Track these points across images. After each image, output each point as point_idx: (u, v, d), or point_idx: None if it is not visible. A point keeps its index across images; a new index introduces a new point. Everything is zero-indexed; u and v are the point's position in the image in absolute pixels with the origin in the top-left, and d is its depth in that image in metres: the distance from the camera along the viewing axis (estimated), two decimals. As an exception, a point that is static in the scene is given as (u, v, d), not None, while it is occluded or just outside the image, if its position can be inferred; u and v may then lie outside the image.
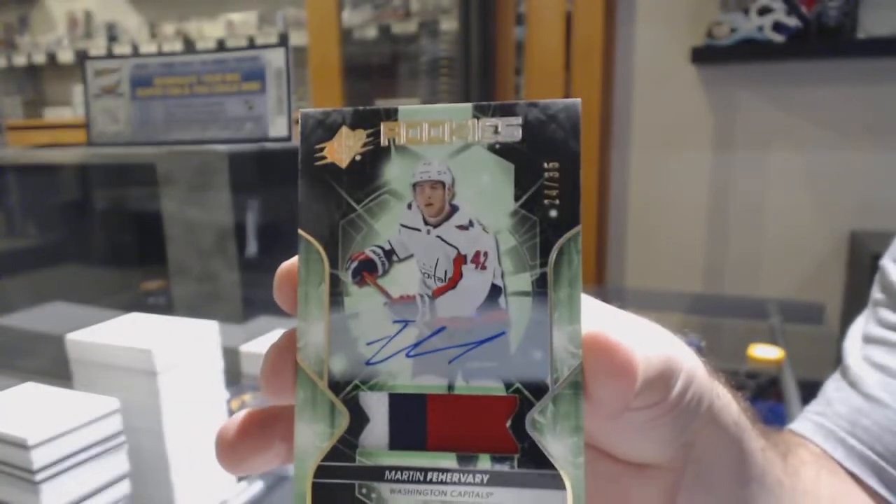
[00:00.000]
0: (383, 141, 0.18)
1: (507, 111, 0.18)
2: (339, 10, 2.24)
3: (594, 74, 1.94)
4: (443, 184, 0.18)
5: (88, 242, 1.20)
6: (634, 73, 2.00)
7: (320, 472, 0.17)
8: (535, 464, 0.17)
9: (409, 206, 0.18)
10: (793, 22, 1.74)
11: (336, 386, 0.17)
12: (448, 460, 0.17)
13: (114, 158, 1.13)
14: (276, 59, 1.04)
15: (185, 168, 0.92)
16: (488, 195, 0.18)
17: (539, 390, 0.17)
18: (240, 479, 0.68)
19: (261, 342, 0.80)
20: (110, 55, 1.20)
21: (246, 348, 0.79)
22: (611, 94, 2.02)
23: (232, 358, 0.73)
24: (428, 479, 0.17)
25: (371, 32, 2.46)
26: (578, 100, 0.18)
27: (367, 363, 0.17)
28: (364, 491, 0.17)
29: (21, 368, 0.96)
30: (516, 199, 0.17)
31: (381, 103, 2.53)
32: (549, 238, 0.17)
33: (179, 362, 0.59)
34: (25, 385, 0.57)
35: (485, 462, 0.17)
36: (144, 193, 1.08)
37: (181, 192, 0.92)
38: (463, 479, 0.17)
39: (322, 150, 0.18)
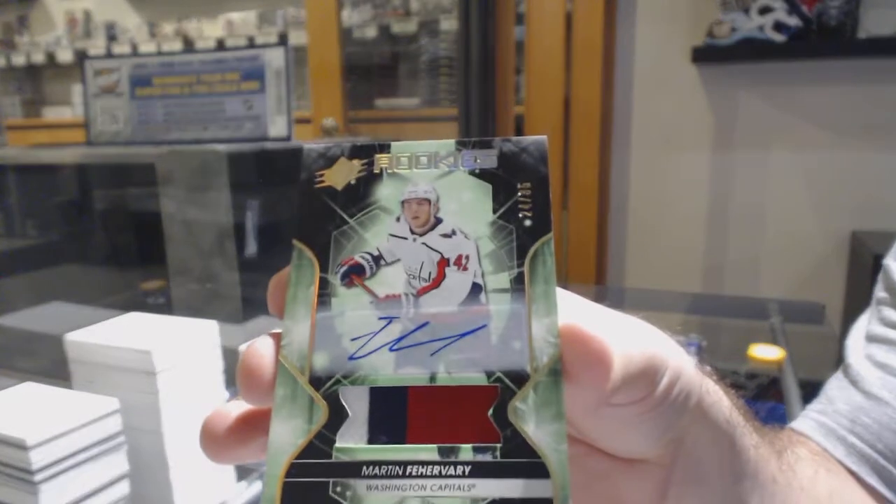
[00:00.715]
0: (376, 169, 0.20)
1: (484, 145, 0.20)
2: (338, 9, 2.24)
3: (594, 74, 1.94)
4: (429, 200, 0.20)
5: (88, 242, 1.20)
6: (634, 73, 2.00)
7: (293, 470, 0.17)
8: (517, 452, 0.17)
9: (398, 219, 0.20)
10: (794, 21, 1.74)
11: (317, 381, 0.18)
12: (429, 453, 0.17)
13: (113, 158, 1.13)
14: (275, 58, 1.04)
15: (184, 168, 0.92)
16: (469, 209, 0.20)
17: (520, 378, 0.17)
18: (239, 478, 0.67)
19: (260, 342, 0.80)
20: (109, 55, 1.20)
21: (245, 348, 0.79)
22: (611, 94, 2.02)
23: (231, 358, 0.72)
24: (407, 472, 0.17)
25: (371, 32, 2.46)
26: (545, 136, 0.21)
27: (350, 358, 0.18)
28: (339, 489, 0.16)
29: (20, 368, 0.96)
30: (494, 211, 0.19)
31: (381, 103, 2.53)
32: (524, 243, 0.19)
33: (179, 362, 0.59)
34: (24, 385, 0.57)
35: (466, 453, 0.17)
36: (144, 193, 1.08)
37: (180, 191, 0.92)
38: (444, 472, 0.17)
39: (321, 175, 0.21)
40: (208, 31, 3.01)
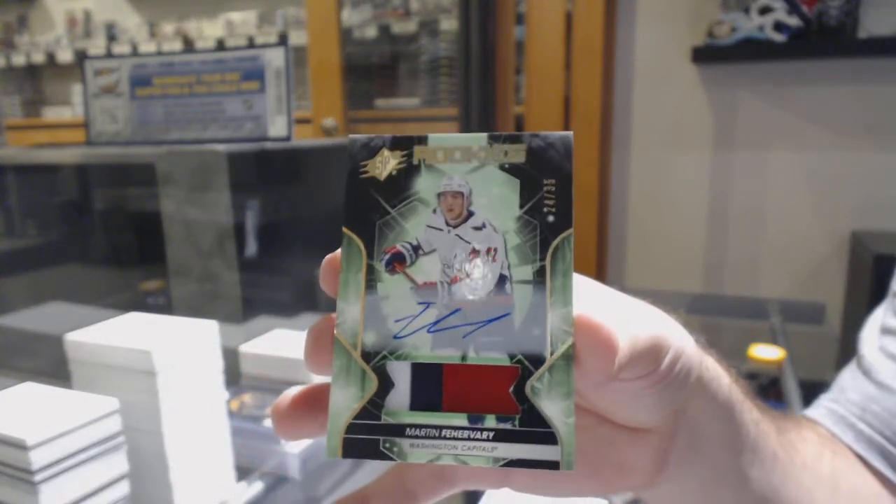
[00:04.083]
0: (415, 160, 0.22)
1: (514, 139, 0.22)
2: (338, 9, 2.24)
3: (594, 74, 1.94)
4: (462, 194, 0.22)
5: (87, 242, 1.20)
6: (634, 72, 2.00)
7: (350, 428, 0.20)
8: (533, 423, 0.20)
9: (434, 211, 0.22)
10: (794, 21, 1.74)
11: (367, 356, 0.21)
12: (460, 419, 0.20)
13: (113, 158, 1.13)
14: (275, 58, 1.04)
15: (184, 168, 0.92)
16: (499, 203, 0.22)
17: (537, 361, 0.20)
18: (239, 479, 0.67)
19: (260, 342, 0.80)
20: (109, 55, 1.20)
21: (245, 348, 0.79)
22: (611, 94, 2.02)
23: (231, 358, 0.72)
24: (442, 435, 0.20)
25: (371, 32, 2.46)
26: (571, 132, 0.22)
27: (395, 337, 0.21)
28: (387, 445, 0.20)
29: (20, 368, 0.96)
30: (521, 206, 0.21)
31: (381, 103, 2.53)
32: (547, 238, 0.21)
33: (179, 362, 0.59)
34: (24, 385, 0.57)
35: (491, 421, 0.20)
36: (143, 193, 1.08)
37: (180, 191, 0.92)
38: (472, 436, 0.20)
39: (365, 166, 0.22)
40: (208, 31, 3.01)
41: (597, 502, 0.59)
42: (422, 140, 0.22)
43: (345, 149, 0.23)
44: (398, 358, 0.20)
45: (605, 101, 1.98)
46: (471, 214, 0.21)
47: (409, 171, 0.22)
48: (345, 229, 0.22)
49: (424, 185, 0.22)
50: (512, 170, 0.22)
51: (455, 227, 0.21)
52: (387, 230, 0.22)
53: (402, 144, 0.22)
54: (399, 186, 0.22)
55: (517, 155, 0.22)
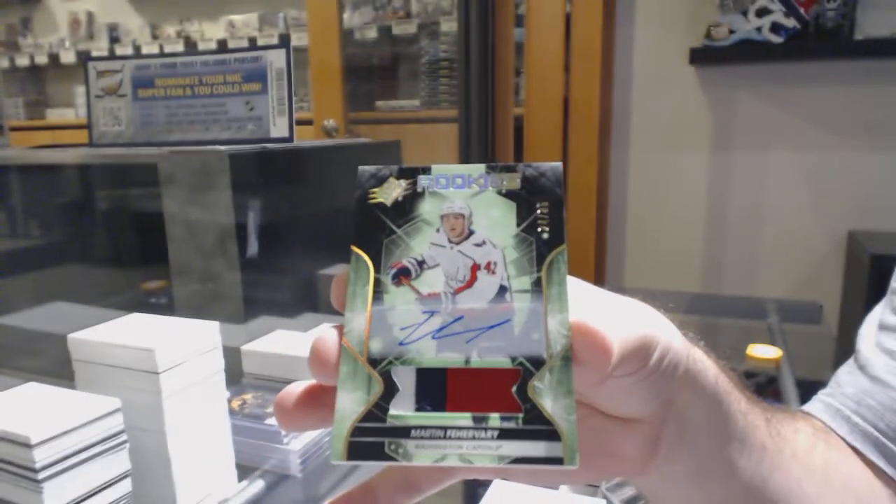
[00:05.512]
0: (419, 188, 0.24)
1: (510, 169, 0.24)
2: (339, 11, 2.24)
3: (594, 75, 1.94)
4: (463, 215, 0.23)
5: (90, 242, 1.21)
6: (634, 73, 2.00)
7: (356, 431, 0.20)
8: (536, 421, 0.20)
9: (438, 230, 0.23)
10: (791, 23, 1.75)
11: (374, 362, 0.21)
12: (464, 420, 0.21)
13: (115, 159, 1.13)
14: (277, 59, 1.04)
15: (186, 169, 0.93)
16: (497, 223, 0.23)
17: (538, 363, 0.21)
18: (240, 478, 0.68)
19: (262, 342, 0.81)
20: (112, 56, 1.20)
21: (247, 348, 0.80)
22: (610, 94, 2.03)
23: (233, 358, 0.73)
24: (447, 435, 0.20)
25: (371, 33, 2.47)
26: (560, 163, 0.24)
27: (400, 343, 0.22)
28: (392, 447, 0.20)
29: (23, 368, 0.97)
30: (518, 226, 0.23)
31: (382, 104, 2.54)
32: (542, 252, 0.22)
33: (181, 362, 0.60)
34: (28, 384, 0.57)
35: (495, 421, 0.20)
36: (146, 194, 1.08)
37: (182, 192, 0.93)
38: (476, 435, 0.20)
39: (373, 193, 0.24)
40: (210, 32, 3.02)
41: (597, 503, 0.59)
42: (426, 170, 0.24)
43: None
44: (403, 363, 0.21)
45: (604, 103, 1.98)
46: (471, 233, 0.23)
47: (414, 197, 0.24)
48: (353, 247, 0.23)
49: (428, 208, 0.24)
50: (508, 195, 0.24)
51: (457, 244, 0.23)
52: (393, 247, 0.23)
53: (408, 174, 0.24)
54: (405, 210, 0.24)
55: (513, 182, 0.24)
